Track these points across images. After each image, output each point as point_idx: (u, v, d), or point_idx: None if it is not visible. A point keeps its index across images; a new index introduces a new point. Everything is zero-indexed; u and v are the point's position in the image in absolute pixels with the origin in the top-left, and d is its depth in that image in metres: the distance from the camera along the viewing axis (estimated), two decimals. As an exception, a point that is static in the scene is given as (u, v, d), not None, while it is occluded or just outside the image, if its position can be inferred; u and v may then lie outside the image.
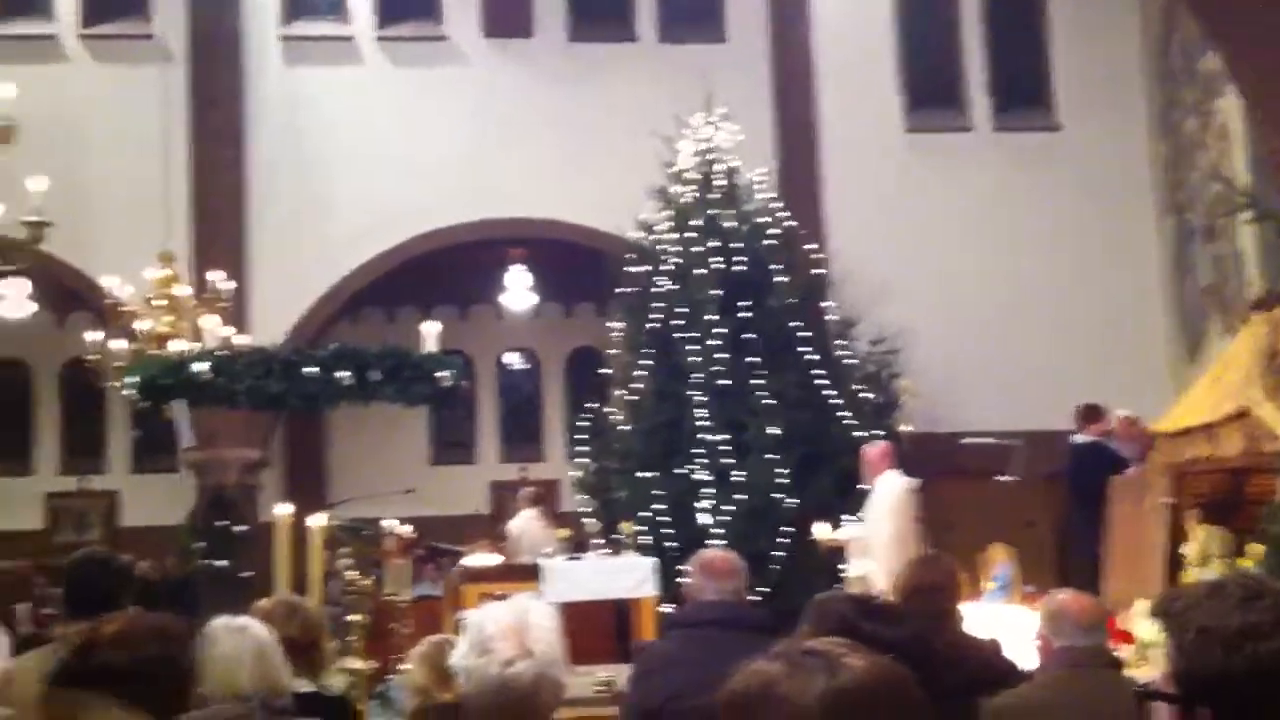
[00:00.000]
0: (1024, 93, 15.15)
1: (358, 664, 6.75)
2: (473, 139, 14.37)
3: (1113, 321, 13.97)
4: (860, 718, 1.55)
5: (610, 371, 12.99)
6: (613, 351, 12.92)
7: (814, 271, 12.81)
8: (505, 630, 2.65)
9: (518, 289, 17.63)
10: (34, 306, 14.85)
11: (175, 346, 10.69)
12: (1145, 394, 11.78)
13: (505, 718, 2.63)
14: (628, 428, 12.02)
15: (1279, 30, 9.23)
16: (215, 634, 3.46)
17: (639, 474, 11.57)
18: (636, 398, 12.09)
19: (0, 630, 3.63)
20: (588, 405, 12.86)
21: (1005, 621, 5.44)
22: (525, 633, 2.65)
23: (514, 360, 19.69)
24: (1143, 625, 6.23)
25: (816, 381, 11.88)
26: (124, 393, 10.92)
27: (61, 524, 17.68)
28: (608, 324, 13.16)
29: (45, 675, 2.51)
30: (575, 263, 15.53)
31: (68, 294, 15.15)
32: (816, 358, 12.01)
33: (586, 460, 12.49)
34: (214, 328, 10.61)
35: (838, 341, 12.52)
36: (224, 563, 12.17)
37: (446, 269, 15.71)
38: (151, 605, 4.39)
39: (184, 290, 11.92)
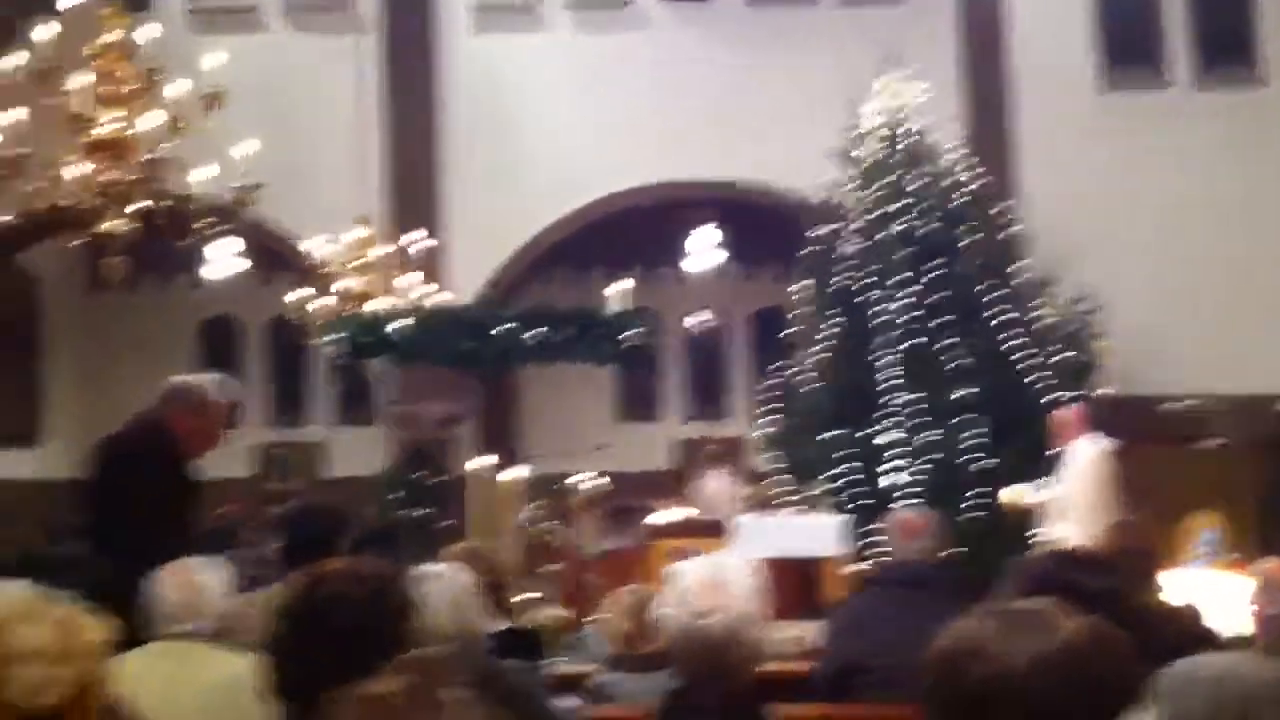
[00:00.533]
0: (1228, 47, 14.40)
1: (550, 613, 6.91)
2: (656, 102, 14.42)
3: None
4: (1072, 679, 1.53)
5: (794, 331, 12.92)
6: (797, 312, 12.84)
7: (1006, 231, 12.49)
8: (702, 584, 2.71)
9: (703, 249, 17.65)
10: (242, 265, 15.50)
11: (374, 305, 11.05)
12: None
13: (700, 668, 2.68)
14: (814, 388, 11.94)
15: None
16: (415, 581, 3.59)
17: (825, 434, 11.50)
18: (821, 357, 12.00)
19: (225, 566, 3.82)
20: (773, 365, 12.82)
21: (1213, 587, 5.27)
22: (721, 587, 2.69)
23: (699, 320, 19.74)
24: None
25: (1010, 343, 11.61)
26: (326, 350, 11.34)
27: (270, 473, 18.52)
28: (791, 285, 13.08)
29: (276, 608, 2.65)
30: (761, 224, 15.47)
31: (273, 254, 15.78)
32: (1009, 318, 11.73)
33: (770, 419, 12.47)
34: (410, 288, 10.93)
35: (1030, 303, 12.20)
36: (421, 513, 12.57)
37: (633, 230, 15.84)
38: (357, 553, 4.58)
39: (381, 251, 12.29)
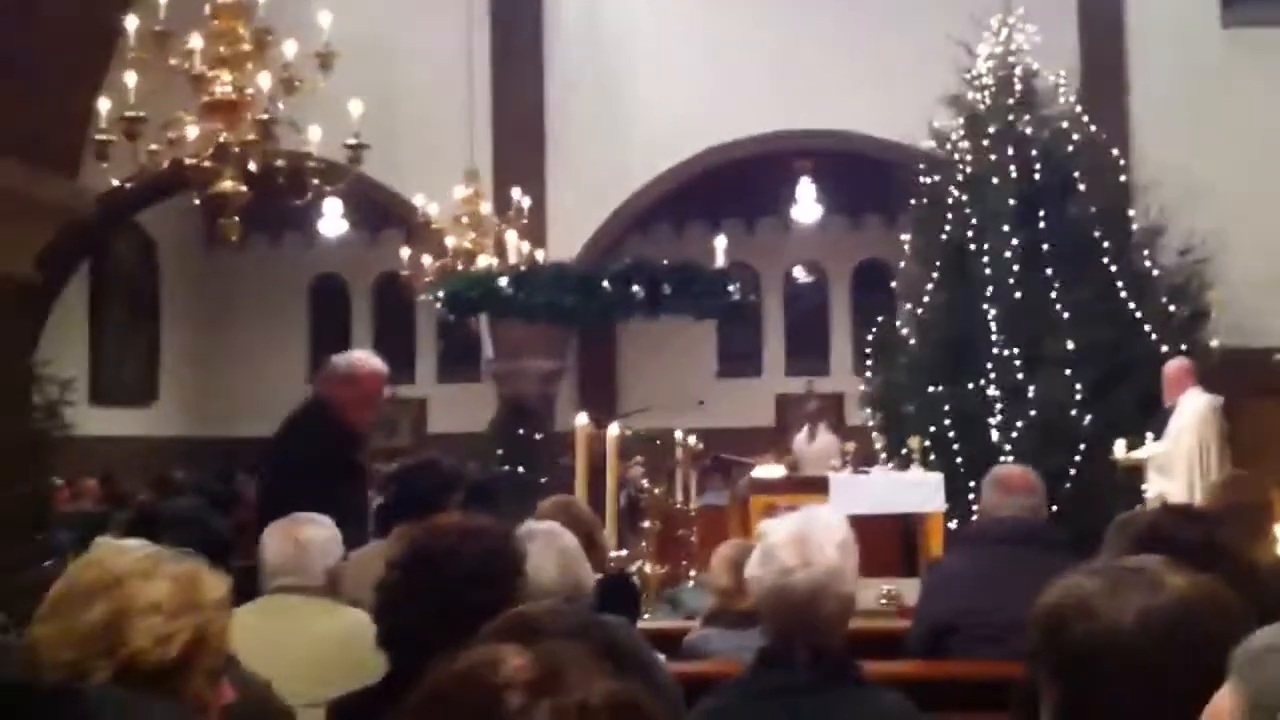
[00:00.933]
0: (1356, -22, 13.86)
1: (649, 568, 6.97)
2: (762, 51, 14.30)
3: None
4: (1180, 638, 1.53)
5: (898, 285, 12.80)
6: (902, 264, 12.71)
7: (1118, 179, 12.22)
8: (788, 540, 2.71)
9: (805, 201, 17.54)
10: (348, 225, 15.75)
11: (480, 262, 11.17)
12: None
13: (788, 626, 2.69)
14: (917, 342, 11.84)
15: None
16: (524, 539, 3.64)
17: (928, 389, 11.40)
18: (927, 311, 11.88)
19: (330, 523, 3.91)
20: (876, 319, 12.73)
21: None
22: (807, 543, 2.69)
23: (801, 274, 19.66)
24: None
25: (1119, 294, 11.39)
26: (432, 306, 11.50)
27: (374, 430, 18.85)
28: (898, 236, 12.94)
29: (388, 561, 2.72)
30: (863, 174, 15.31)
31: (380, 212, 16.02)
32: (1118, 269, 11.50)
33: (873, 374, 12.39)
34: (516, 243, 11.01)
35: (1143, 251, 11.95)
36: (523, 469, 12.73)
37: (734, 182, 15.78)
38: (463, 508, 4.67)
39: (487, 207, 12.41)
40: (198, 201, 7.43)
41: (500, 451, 13.07)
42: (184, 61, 6.80)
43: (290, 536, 3.67)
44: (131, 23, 6.93)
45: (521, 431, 13.03)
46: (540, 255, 11.60)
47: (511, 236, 10.32)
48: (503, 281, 9.50)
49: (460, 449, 14.52)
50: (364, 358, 5.71)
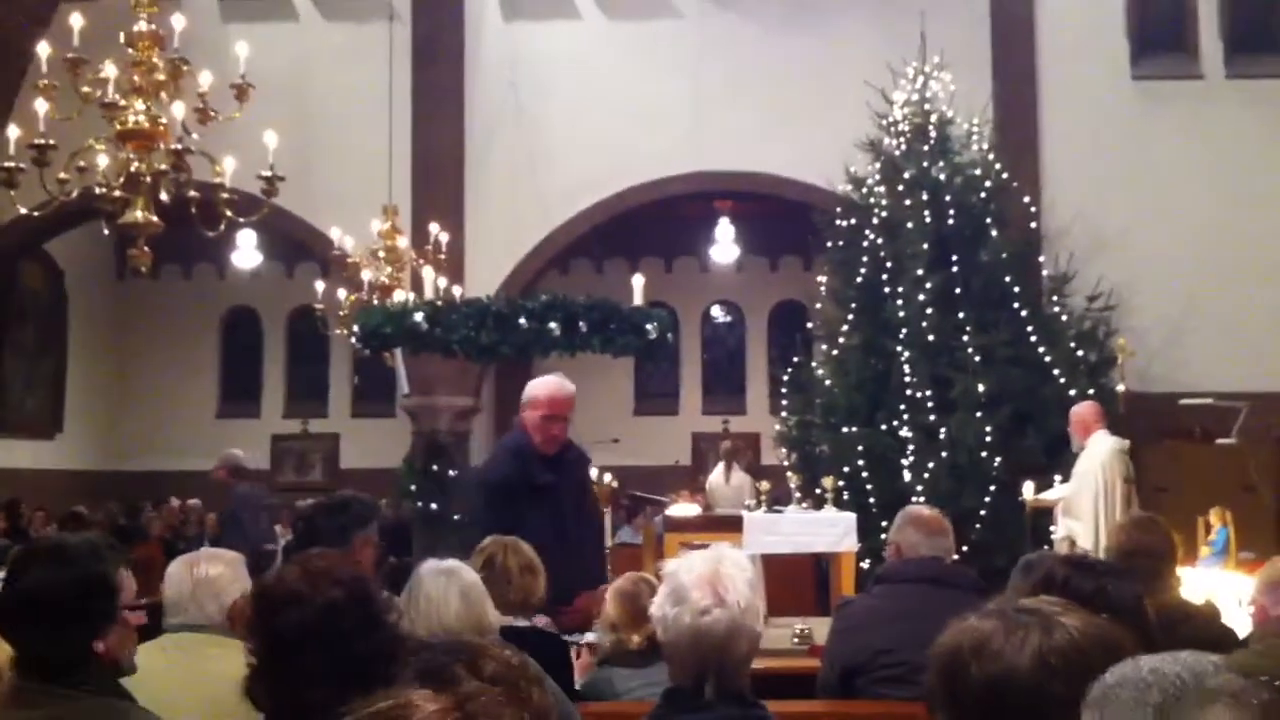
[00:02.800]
0: (1260, 37, 14.29)
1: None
2: (683, 92, 14.40)
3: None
4: (1073, 676, 1.55)
5: (815, 326, 12.92)
6: (818, 305, 12.84)
7: (1029, 225, 12.47)
8: (700, 579, 2.69)
9: (724, 242, 17.68)
10: (263, 258, 15.58)
11: (396, 297, 11.10)
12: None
13: (700, 665, 2.68)
14: (832, 382, 11.95)
15: None
16: (424, 575, 3.60)
17: (843, 429, 11.51)
18: (842, 352, 12.00)
19: (238, 558, 3.83)
20: (792, 359, 12.83)
21: (1220, 587, 5.25)
22: (720, 582, 2.67)
23: (718, 313, 19.78)
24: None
25: (1028, 338, 11.60)
26: (346, 340, 11.40)
27: (285, 465, 18.61)
28: (814, 278, 13.07)
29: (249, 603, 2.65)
30: (782, 216, 15.47)
31: (296, 245, 15.86)
32: (1028, 313, 11.73)
33: (789, 414, 12.48)
34: (433, 278, 10.96)
35: (1052, 297, 12.20)
36: (436, 506, 12.61)
37: (653, 222, 15.86)
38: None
39: (405, 242, 12.34)
40: (108, 231, 7.31)
41: (413, 488, 12.95)
42: (96, 89, 6.69)
43: (188, 573, 3.58)
44: (43, 49, 6.82)
45: (435, 468, 12.91)
46: (458, 291, 11.55)
47: (428, 272, 10.28)
48: (418, 316, 9.44)
49: (373, 485, 14.42)
50: (544, 382, 5.78)
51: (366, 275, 11.89)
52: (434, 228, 12.12)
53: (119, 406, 18.95)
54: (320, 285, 12.67)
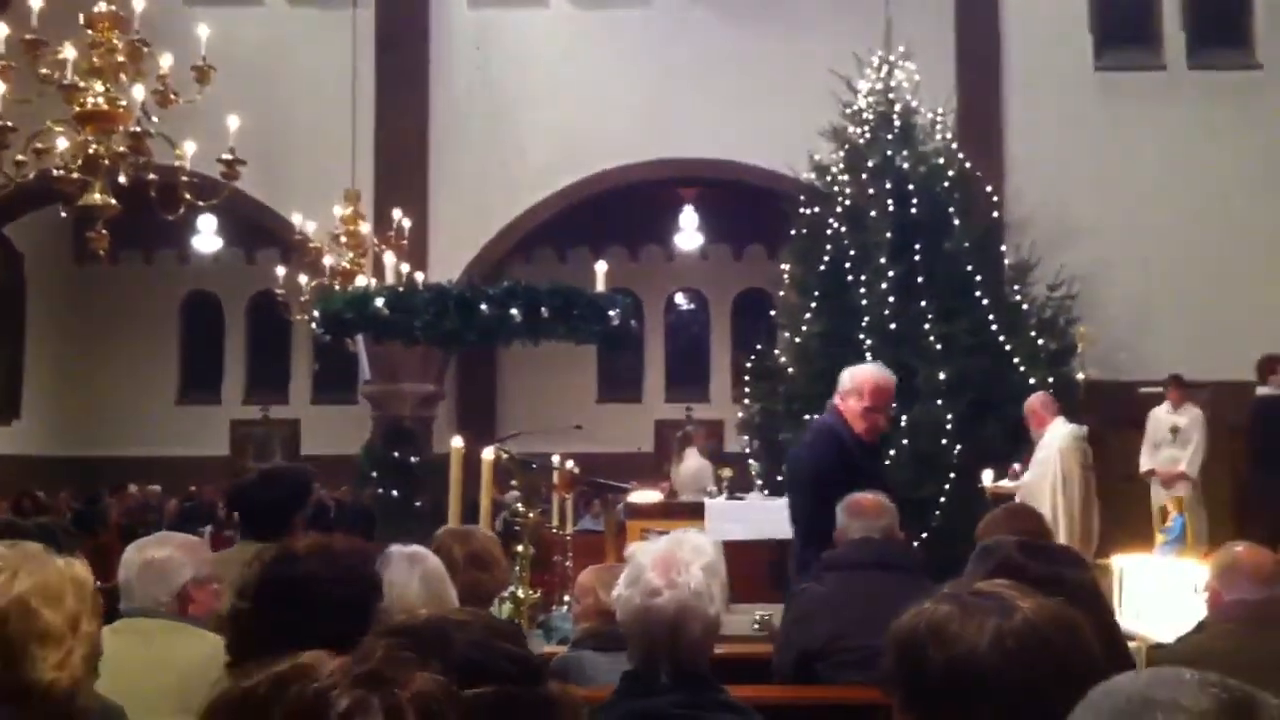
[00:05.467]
0: (1221, 29, 14.43)
1: (521, 593, 6.91)
2: (651, 80, 14.40)
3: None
4: (1032, 659, 1.55)
5: (777, 313, 12.95)
6: (782, 293, 12.86)
7: (991, 214, 12.53)
8: (656, 562, 2.70)
9: (688, 230, 17.68)
10: (224, 242, 15.48)
11: (358, 282, 11.04)
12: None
13: (652, 647, 2.68)
14: (795, 370, 11.98)
15: None
16: (389, 560, 3.58)
17: (805, 416, 11.53)
18: (805, 340, 12.03)
19: (195, 544, 3.80)
20: (755, 347, 12.85)
21: (1176, 573, 5.32)
22: (673, 565, 2.68)
23: (682, 300, 19.79)
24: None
25: (990, 327, 11.66)
26: (308, 326, 11.33)
27: (245, 451, 18.50)
28: (778, 266, 13.10)
29: (242, 585, 2.63)
30: (746, 204, 15.48)
31: (257, 230, 15.75)
32: (990, 302, 11.79)
33: (752, 401, 12.50)
34: (395, 264, 10.91)
35: (1014, 286, 12.26)
36: (397, 492, 12.56)
37: (618, 209, 15.84)
38: (328, 531, 4.57)
39: (367, 227, 12.28)
40: (66, 214, 7.24)
41: (375, 474, 12.89)
42: (55, 71, 6.61)
43: (140, 557, 3.55)
44: (1, 30, 6.73)
45: (397, 454, 12.85)
46: (420, 277, 11.50)
47: (390, 257, 10.23)
48: (380, 302, 9.39)
49: (334, 472, 14.36)
50: (866, 372, 5.73)
51: (328, 260, 11.82)
52: (397, 213, 12.07)
53: (78, 392, 18.78)
54: (281, 270, 12.59)
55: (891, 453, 10.94)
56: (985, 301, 11.79)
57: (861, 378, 5.59)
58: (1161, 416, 11.05)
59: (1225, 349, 12.50)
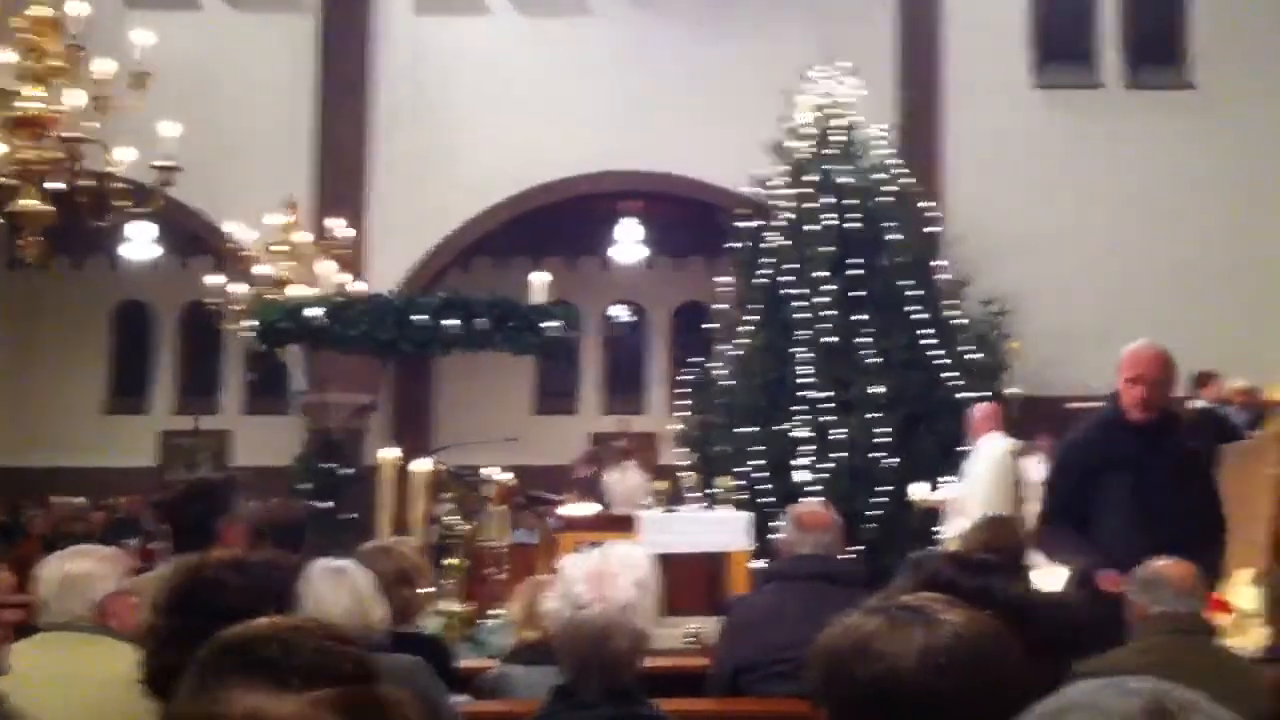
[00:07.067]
0: (1158, 49, 14.68)
1: (454, 606, 6.88)
2: (593, 91, 14.39)
3: (1236, 286, 13.58)
4: (959, 672, 1.55)
5: (716, 326, 12.99)
6: (720, 306, 12.91)
7: (928, 230, 12.66)
8: (584, 575, 2.69)
9: (628, 242, 17.68)
10: (158, 250, 15.27)
11: (293, 292, 10.93)
12: (1267, 360, 11.45)
13: (581, 661, 2.67)
14: (732, 383, 12.02)
15: None
16: (314, 575, 3.54)
17: (741, 429, 11.58)
18: (742, 353, 12.08)
19: (116, 556, 3.74)
20: (692, 360, 12.88)
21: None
22: (602, 579, 2.67)
23: (620, 313, 19.78)
24: (1244, 595, 6.12)
25: (924, 341, 11.77)
26: (242, 335, 11.20)
27: (174, 462, 18.21)
28: (716, 279, 13.14)
29: (153, 598, 2.60)
30: (686, 216, 15.51)
31: (191, 237, 15.54)
32: (926, 317, 11.90)
33: (688, 414, 12.53)
34: (331, 274, 10.83)
35: (948, 301, 12.39)
36: (329, 504, 12.44)
37: (557, 220, 15.81)
38: (259, 544, 4.52)
39: (304, 236, 12.16)
40: (-2, 220, 7.11)
41: (307, 486, 12.76)
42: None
43: (59, 571, 3.49)
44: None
45: (329, 466, 12.73)
46: (357, 287, 11.42)
47: (327, 267, 10.14)
48: (315, 312, 9.31)
49: (266, 483, 14.17)
50: (1135, 344, 5.17)
51: (264, 269, 11.69)
52: (334, 222, 11.96)
53: (3, 400, 18.42)
54: (215, 279, 12.42)
55: (827, 466, 11.03)
56: (921, 316, 11.90)
57: (1124, 351, 5.11)
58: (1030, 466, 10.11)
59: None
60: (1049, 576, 4.53)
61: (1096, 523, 4.39)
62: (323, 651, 1.38)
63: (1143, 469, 4.69)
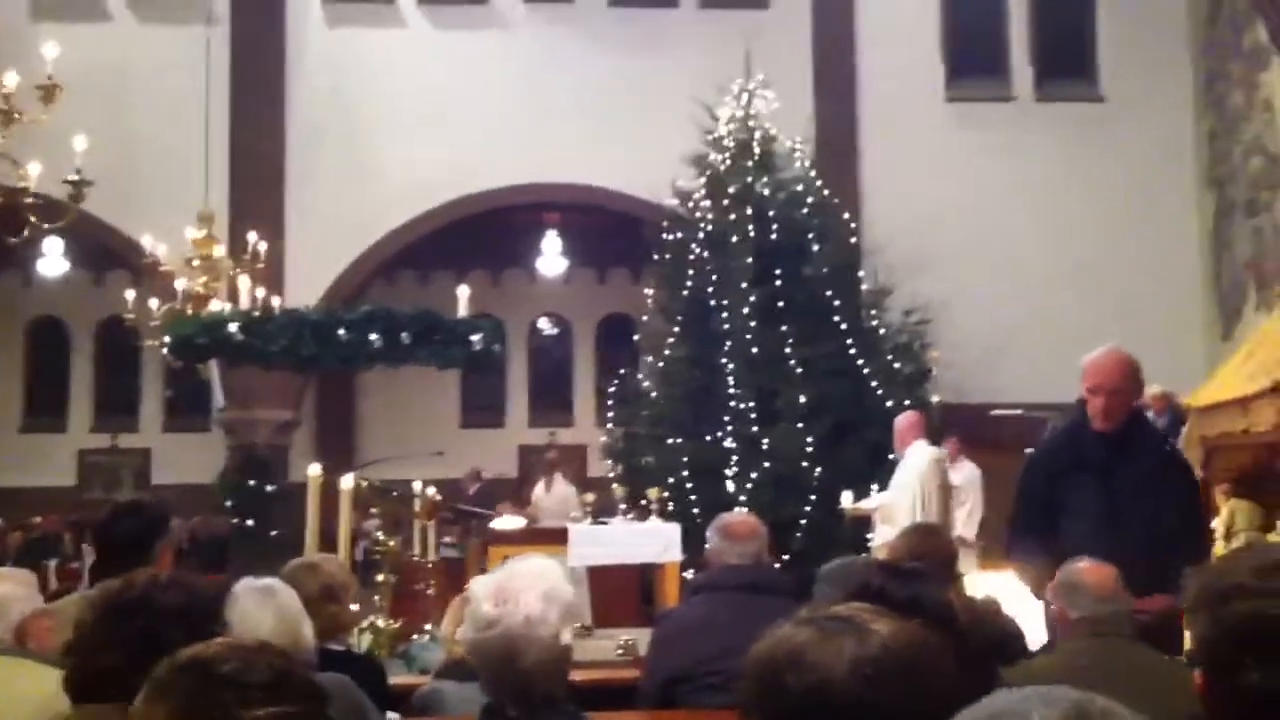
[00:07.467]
0: (1067, 63, 14.99)
1: (382, 623, 6.80)
2: (513, 103, 14.35)
3: (1149, 294, 13.85)
4: (890, 683, 1.55)
5: (641, 338, 13.00)
6: (645, 318, 12.92)
7: (849, 240, 12.77)
8: (489, 592, 2.66)
9: (551, 254, 17.66)
10: (74, 263, 14.98)
11: (212, 307, 10.78)
12: (1180, 368, 11.68)
13: (496, 679, 2.65)
14: (658, 394, 12.03)
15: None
16: (240, 594, 3.48)
17: (668, 440, 11.59)
18: (668, 364, 12.10)
19: (30, 577, 3.66)
20: (618, 371, 12.88)
21: (1008, 589, 5.42)
22: (504, 594, 2.64)
23: (546, 325, 19.74)
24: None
25: (849, 351, 11.86)
26: (159, 351, 11.01)
27: (92, 481, 17.88)
28: (641, 290, 13.15)
29: (78, 617, 2.55)
30: (610, 229, 15.52)
31: (107, 252, 15.27)
32: (848, 327, 12.00)
33: (615, 426, 12.52)
34: (250, 288, 10.68)
35: (871, 311, 12.50)
36: (253, 522, 12.28)
37: (481, 233, 15.73)
38: (181, 563, 4.43)
39: (221, 250, 11.99)
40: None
41: (229, 504, 12.57)
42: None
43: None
44: None
45: (252, 483, 12.56)
46: (277, 302, 11.28)
47: (245, 281, 10.01)
48: (234, 327, 9.19)
49: (187, 501, 13.95)
50: (1095, 353, 4.93)
51: (180, 284, 11.50)
52: (252, 236, 11.81)
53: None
54: (131, 294, 12.20)
55: (754, 475, 11.06)
56: (844, 326, 12.00)
57: (1084, 359, 4.92)
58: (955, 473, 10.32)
59: (1072, 372, 12.85)
60: (987, 584, 4.57)
61: (1065, 532, 4.31)
62: (278, 672, 1.43)
63: (1111, 476, 4.64)
